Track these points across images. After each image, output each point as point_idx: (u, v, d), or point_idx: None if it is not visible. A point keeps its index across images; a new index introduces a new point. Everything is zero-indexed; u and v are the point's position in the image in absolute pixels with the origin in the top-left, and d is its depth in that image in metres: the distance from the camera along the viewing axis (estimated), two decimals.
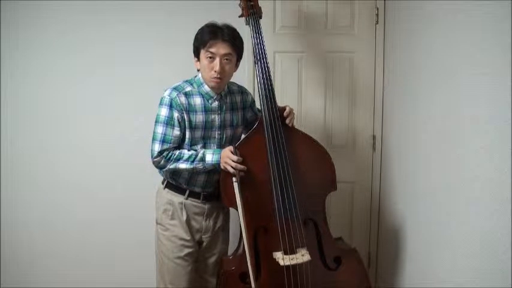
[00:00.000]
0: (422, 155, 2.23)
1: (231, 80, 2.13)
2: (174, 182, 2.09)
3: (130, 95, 2.57)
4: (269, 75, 2.05)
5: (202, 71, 2.01)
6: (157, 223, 2.14)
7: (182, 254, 2.08)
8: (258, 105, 2.23)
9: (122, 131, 2.58)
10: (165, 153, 1.99)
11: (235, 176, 1.94)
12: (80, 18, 2.52)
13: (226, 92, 2.10)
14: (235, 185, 1.92)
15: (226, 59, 1.96)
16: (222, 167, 1.98)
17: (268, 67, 2.06)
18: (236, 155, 1.95)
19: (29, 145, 2.58)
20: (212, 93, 2.04)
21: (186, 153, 2.00)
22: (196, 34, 2.01)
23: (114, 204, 2.63)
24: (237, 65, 2.06)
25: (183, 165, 1.99)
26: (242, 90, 2.19)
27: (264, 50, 2.06)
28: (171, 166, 2.00)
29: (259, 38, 2.07)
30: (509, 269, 1.55)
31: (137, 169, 2.49)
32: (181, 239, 2.08)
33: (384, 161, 2.72)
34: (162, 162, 2.00)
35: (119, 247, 2.65)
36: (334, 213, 2.64)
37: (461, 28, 1.86)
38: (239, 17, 2.14)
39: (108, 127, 2.60)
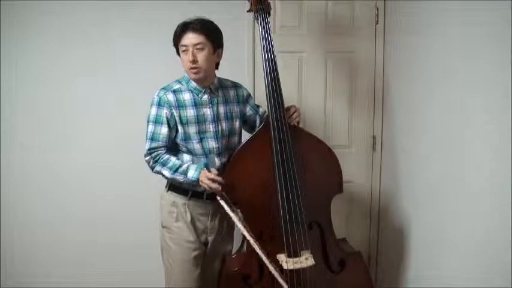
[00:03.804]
0: (422, 154, 2.23)
1: (226, 76, 2.14)
2: (176, 182, 2.05)
3: (131, 94, 2.56)
4: (277, 74, 2.00)
5: (183, 67, 2.00)
6: (162, 227, 2.11)
7: (190, 257, 2.04)
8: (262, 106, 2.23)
9: (123, 131, 2.57)
10: (154, 154, 1.99)
11: (218, 194, 1.91)
12: (80, 17, 2.51)
13: (217, 85, 2.07)
14: (222, 202, 1.90)
15: (198, 48, 1.94)
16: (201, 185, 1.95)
17: (276, 65, 2.01)
18: (217, 174, 1.92)
19: (29, 144, 2.57)
20: (200, 88, 2.02)
21: (172, 161, 1.99)
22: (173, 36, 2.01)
23: (115, 204, 2.62)
24: (217, 54, 2.02)
25: (165, 172, 1.99)
26: (236, 85, 2.16)
27: (272, 47, 2.01)
28: (157, 169, 2.01)
29: (267, 34, 2.03)
30: (509, 269, 1.55)
31: (138, 169, 2.47)
32: (188, 241, 2.04)
33: (384, 161, 2.72)
34: (151, 162, 2.01)
35: (119, 247, 2.65)
36: (333, 213, 2.63)
37: (461, 28, 1.87)
38: (247, 11, 2.11)
39: (109, 126, 2.60)
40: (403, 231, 2.44)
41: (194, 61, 1.94)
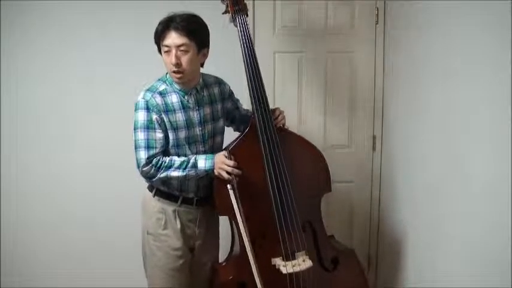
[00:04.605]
0: (422, 154, 2.23)
1: (224, 77, 2.11)
2: (167, 188, 1.98)
3: (131, 95, 2.55)
4: (259, 76, 1.96)
5: (165, 67, 1.90)
6: (148, 233, 2.02)
7: (177, 264, 1.99)
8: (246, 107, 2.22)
9: (123, 131, 2.55)
10: (154, 161, 1.87)
11: (230, 182, 1.85)
12: (79, 18, 2.52)
13: (202, 85, 1.99)
14: (231, 192, 1.84)
15: (182, 50, 1.82)
16: (216, 173, 1.89)
17: (257, 67, 1.96)
18: (230, 159, 1.88)
19: (29, 144, 2.57)
20: (186, 89, 1.93)
21: (177, 160, 1.89)
22: (154, 32, 1.90)
23: (115, 204, 2.62)
24: (203, 54, 1.92)
25: (175, 173, 1.88)
26: (219, 81, 2.08)
27: (252, 49, 1.96)
28: (162, 175, 1.88)
29: (246, 37, 1.96)
30: (509, 269, 1.55)
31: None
32: (176, 249, 1.98)
33: (384, 161, 2.72)
34: (152, 171, 1.87)
35: (119, 247, 2.65)
36: (333, 214, 2.64)
37: (461, 28, 1.86)
38: (223, 13, 2.04)
39: (109, 126, 2.60)
40: (403, 231, 2.43)
41: (178, 64, 1.83)
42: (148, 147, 1.87)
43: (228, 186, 1.85)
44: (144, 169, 1.88)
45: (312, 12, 2.64)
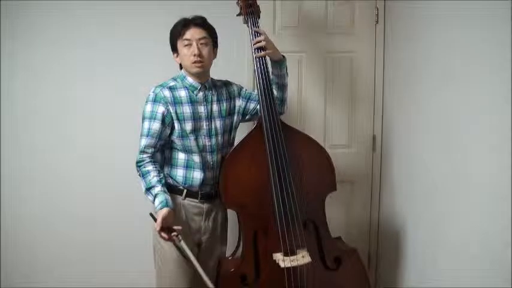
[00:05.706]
0: (422, 155, 2.23)
1: (225, 75, 2.16)
2: (171, 181, 2.06)
3: (131, 94, 2.56)
4: (268, 77, 2.03)
5: (184, 61, 2.01)
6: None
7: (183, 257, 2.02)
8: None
9: (123, 130, 2.57)
10: (145, 156, 1.97)
11: (170, 239, 1.84)
12: (80, 17, 2.52)
13: (210, 84, 2.09)
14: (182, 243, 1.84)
15: (202, 43, 1.99)
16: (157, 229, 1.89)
17: (267, 68, 2.04)
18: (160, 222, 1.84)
19: (29, 144, 2.57)
20: (196, 84, 2.04)
21: (150, 176, 1.93)
22: (170, 32, 2.05)
23: (115, 204, 2.62)
24: (215, 53, 2.07)
25: (142, 184, 1.96)
26: (225, 83, 2.18)
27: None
28: (138, 175, 1.98)
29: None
30: (509, 269, 1.55)
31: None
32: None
33: (384, 161, 2.72)
34: (138, 162, 1.98)
35: (119, 247, 2.65)
36: (333, 213, 2.62)
37: (461, 28, 1.87)
38: (237, 15, 2.12)
39: (109, 126, 2.60)
40: (403, 231, 2.44)
41: (200, 55, 1.97)
42: (148, 135, 1.99)
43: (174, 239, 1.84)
44: (138, 155, 2.00)
45: (312, 12, 2.64)
